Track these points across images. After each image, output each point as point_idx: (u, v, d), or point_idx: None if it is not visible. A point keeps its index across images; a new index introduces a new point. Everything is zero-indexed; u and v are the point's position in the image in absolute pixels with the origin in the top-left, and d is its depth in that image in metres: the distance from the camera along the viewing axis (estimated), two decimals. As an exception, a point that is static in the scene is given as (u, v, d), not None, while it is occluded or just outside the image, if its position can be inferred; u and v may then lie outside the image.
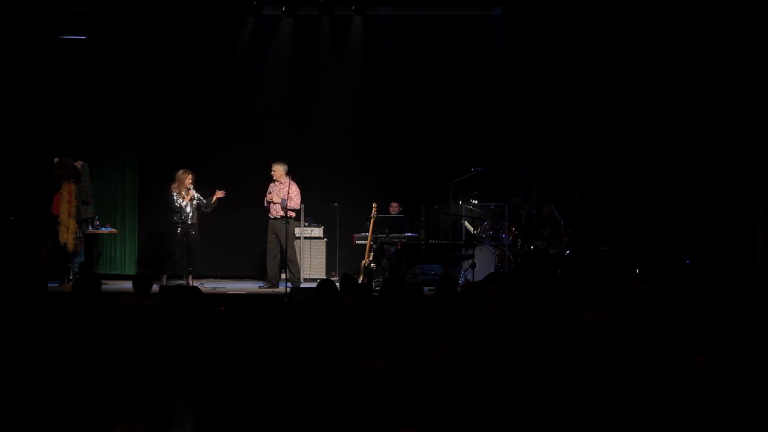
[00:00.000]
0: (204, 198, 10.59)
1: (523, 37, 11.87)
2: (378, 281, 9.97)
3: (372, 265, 10.44)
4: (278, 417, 3.93)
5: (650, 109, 10.51)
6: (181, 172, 10.55)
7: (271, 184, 10.87)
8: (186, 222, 10.52)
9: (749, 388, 4.26)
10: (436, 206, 11.09)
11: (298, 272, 10.95)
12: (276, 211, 10.72)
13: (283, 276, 10.69)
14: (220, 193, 10.58)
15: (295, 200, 10.82)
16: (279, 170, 10.81)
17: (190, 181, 10.52)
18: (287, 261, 10.72)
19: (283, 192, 10.71)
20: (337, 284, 7.03)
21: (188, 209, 10.52)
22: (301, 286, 10.41)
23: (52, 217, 10.52)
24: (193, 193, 10.51)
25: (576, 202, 10.97)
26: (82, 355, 4.85)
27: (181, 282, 10.46)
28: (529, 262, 10.55)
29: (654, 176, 10.41)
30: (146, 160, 12.02)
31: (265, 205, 10.84)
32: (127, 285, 7.69)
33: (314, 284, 10.48)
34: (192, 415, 4.31)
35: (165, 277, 10.50)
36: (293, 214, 10.84)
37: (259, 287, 10.77)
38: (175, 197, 10.48)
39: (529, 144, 11.72)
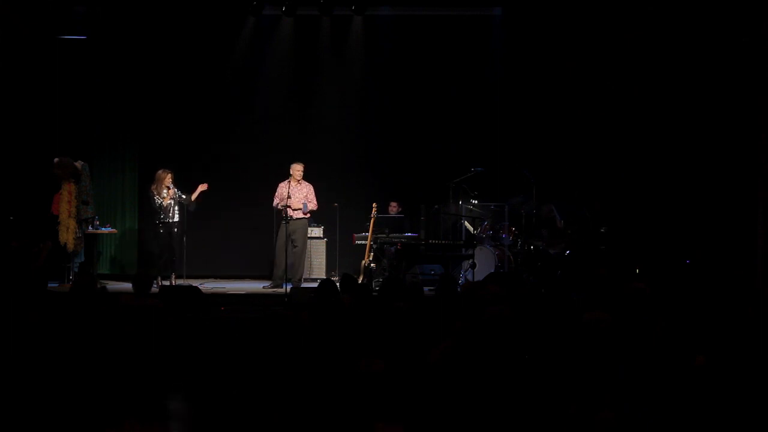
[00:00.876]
0: (185, 195, 10.55)
1: (523, 37, 11.87)
2: (378, 281, 9.96)
3: (372, 265, 10.44)
4: (278, 417, 3.93)
5: (650, 109, 10.51)
6: (160, 171, 10.54)
7: (284, 184, 10.81)
8: (167, 222, 10.51)
9: (749, 388, 4.27)
10: (436, 206, 11.08)
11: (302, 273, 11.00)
12: (295, 213, 10.69)
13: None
14: (202, 187, 10.54)
15: (314, 201, 10.86)
16: (302, 170, 10.81)
17: (170, 180, 10.50)
18: (297, 262, 10.73)
19: (302, 194, 10.74)
20: (337, 284, 7.02)
21: (170, 208, 10.51)
22: (302, 286, 10.40)
23: (52, 217, 10.51)
24: (174, 191, 10.50)
25: (576, 202, 10.96)
26: (82, 355, 4.85)
27: (166, 282, 10.38)
28: (529, 262, 10.54)
29: (654, 176, 10.41)
30: (146, 160, 12.00)
31: (280, 206, 10.72)
32: (127, 285, 7.68)
33: (314, 284, 10.56)
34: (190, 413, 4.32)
35: (159, 278, 10.45)
36: (309, 215, 10.88)
37: (264, 287, 10.75)
38: (155, 197, 10.47)
39: (529, 144, 11.72)
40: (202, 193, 10.56)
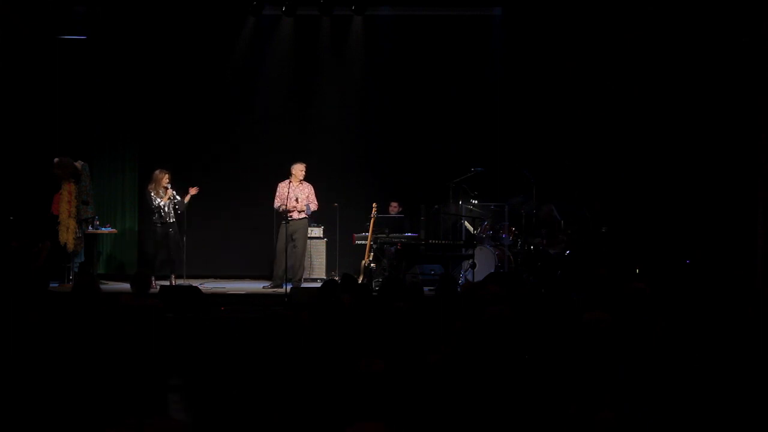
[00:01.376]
0: (179, 198, 10.56)
1: (523, 37, 11.87)
2: (378, 281, 9.96)
3: (372, 265, 10.44)
4: (278, 416, 3.93)
5: (650, 109, 10.51)
6: (157, 171, 10.57)
7: (284, 184, 10.80)
8: (165, 222, 10.51)
9: (749, 388, 4.27)
10: (436, 206, 11.08)
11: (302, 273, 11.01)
12: (297, 213, 10.69)
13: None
14: (193, 191, 10.53)
15: (315, 202, 10.88)
16: (305, 170, 10.81)
17: (167, 180, 10.52)
18: (297, 262, 10.73)
19: (304, 194, 10.75)
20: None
21: (167, 209, 10.51)
22: (301, 286, 10.40)
23: (52, 217, 10.51)
24: (171, 192, 10.50)
25: (576, 202, 10.97)
26: (82, 355, 4.85)
27: (164, 282, 10.38)
28: (529, 262, 10.54)
29: (654, 176, 10.41)
30: (146, 160, 12.00)
31: (283, 208, 10.69)
32: (127, 285, 7.67)
33: (314, 284, 10.57)
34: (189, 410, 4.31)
35: (153, 278, 10.41)
36: (308, 215, 10.89)
37: (264, 287, 10.75)
38: (153, 197, 10.48)
39: (529, 144, 11.72)
40: (192, 196, 10.57)
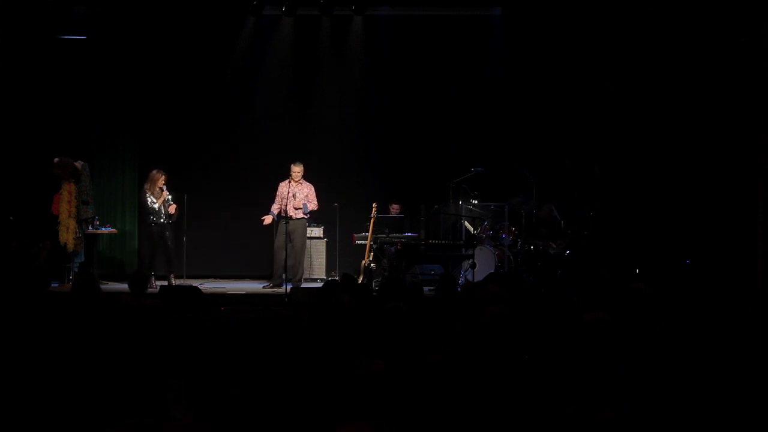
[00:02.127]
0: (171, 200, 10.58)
1: (523, 37, 11.87)
2: (378, 281, 9.97)
3: (372, 265, 10.44)
4: (278, 416, 3.93)
5: (650, 109, 10.51)
6: (154, 171, 10.57)
7: (284, 184, 10.83)
8: (160, 222, 10.51)
9: (749, 388, 4.27)
10: (436, 206, 11.08)
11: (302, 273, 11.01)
12: (295, 213, 10.70)
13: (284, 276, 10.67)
14: (171, 209, 10.52)
15: (314, 202, 10.88)
16: (300, 171, 10.82)
17: (163, 181, 10.52)
18: (296, 261, 10.74)
19: (302, 194, 10.76)
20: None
21: (162, 210, 10.52)
22: (301, 286, 10.40)
23: (52, 217, 10.52)
24: (167, 194, 10.51)
25: (576, 202, 10.97)
26: (82, 355, 4.85)
27: (163, 282, 10.37)
28: (529, 262, 10.54)
29: (654, 176, 10.41)
30: (146, 160, 11.99)
31: (283, 207, 10.74)
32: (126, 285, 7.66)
33: (314, 284, 10.58)
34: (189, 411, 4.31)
35: (153, 278, 10.39)
36: (309, 215, 10.89)
37: (263, 287, 10.75)
38: (149, 197, 10.48)
39: (529, 144, 11.72)
40: (181, 204, 10.59)
